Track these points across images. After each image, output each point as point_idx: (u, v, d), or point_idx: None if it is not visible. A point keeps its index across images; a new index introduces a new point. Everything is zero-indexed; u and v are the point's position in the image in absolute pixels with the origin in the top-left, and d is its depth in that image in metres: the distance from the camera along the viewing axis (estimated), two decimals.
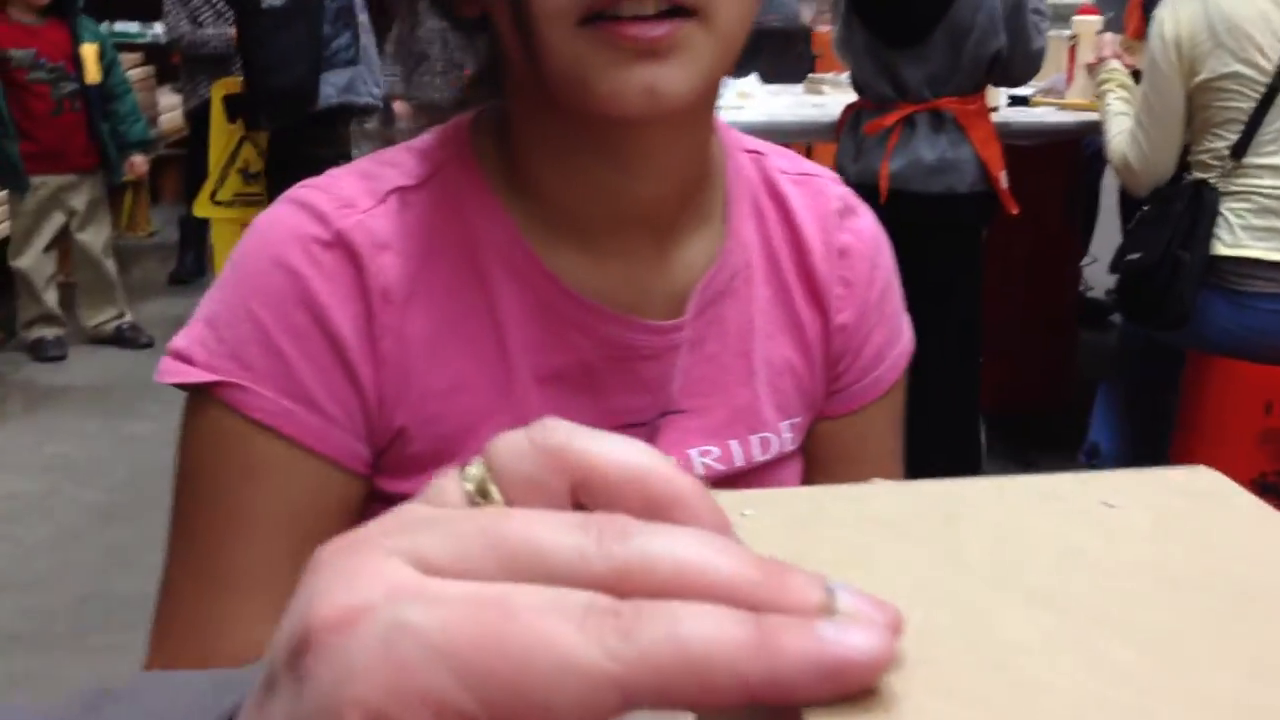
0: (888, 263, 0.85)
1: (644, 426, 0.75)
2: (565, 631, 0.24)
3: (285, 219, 0.70)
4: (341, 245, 0.69)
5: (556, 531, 0.26)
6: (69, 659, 2.49)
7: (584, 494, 0.29)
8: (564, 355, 0.73)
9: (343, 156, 4.28)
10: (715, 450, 0.77)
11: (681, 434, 0.76)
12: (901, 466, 0.90)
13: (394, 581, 0.25)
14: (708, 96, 0.69)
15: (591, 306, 0.72)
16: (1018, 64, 2.84)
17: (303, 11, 4.02)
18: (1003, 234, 3.18)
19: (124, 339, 4.37)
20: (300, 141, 4.15)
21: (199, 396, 0.69)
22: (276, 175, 4.38)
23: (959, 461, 2.75)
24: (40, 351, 4.23)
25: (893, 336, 0.85)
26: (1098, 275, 4.50)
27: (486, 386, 0.72)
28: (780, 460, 0.80)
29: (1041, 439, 3.49)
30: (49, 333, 4.25)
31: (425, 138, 0.76)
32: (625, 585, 0.26)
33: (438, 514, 0.28)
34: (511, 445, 0.30)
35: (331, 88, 4.11)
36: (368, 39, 4.16)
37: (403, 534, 0.27)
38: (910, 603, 0.32)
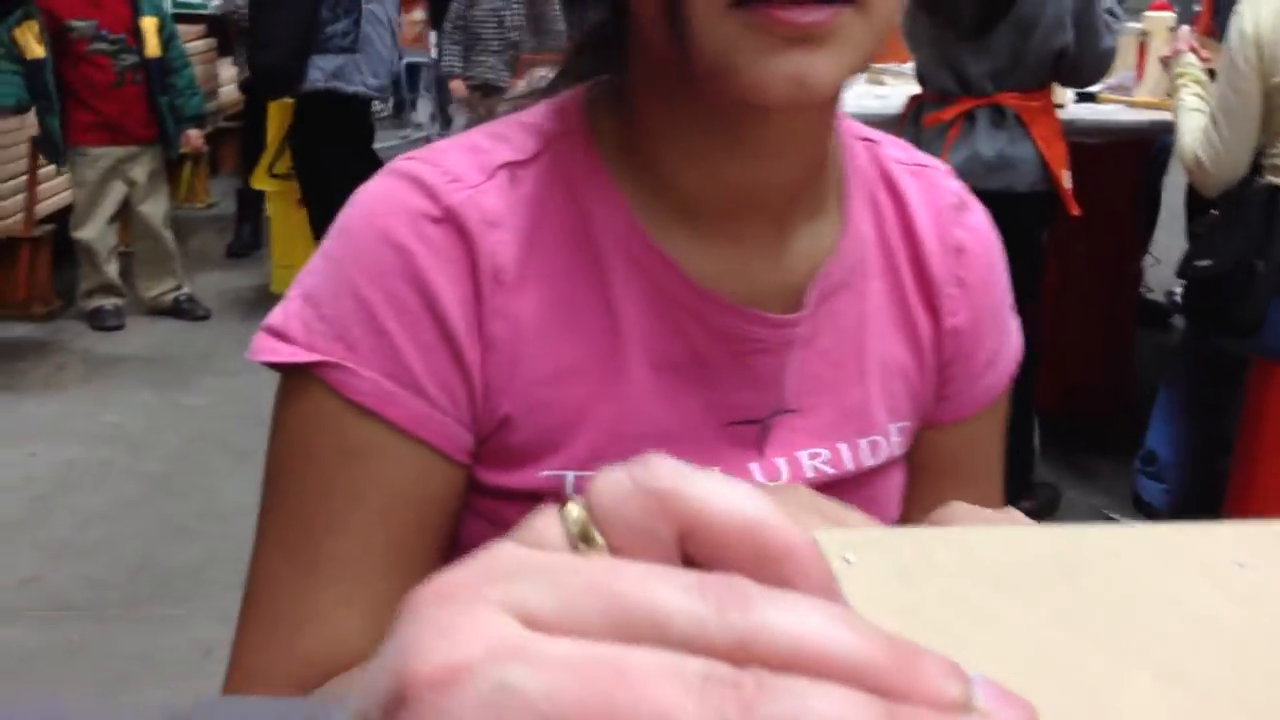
0: (1001, 263, 0.82)
1: (756, 424, 0.72)
2: (682, 702, 0.22)
3: (392, 192, 0.67)
4: (452, 221, 0.66)
5: (673, 593, 0.24)
6: (121, 629, 2.52)
7: (691, 543, 0.27)
8: (678, 344, 0.70)
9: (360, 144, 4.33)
10: (825, 453, 0.74)
11: (791, 434, 0.73)
12: (1002, 478, 0.87)
13: (497, 637, 0.24)
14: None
15: (708, 295, 0.70)
16: (1086, 63, 2.79)
17: None
18: (1063, 232, 3.13)
19: (181, 310, 4.41)
20: (321, 126, 4.20)
21: (296, 376, 0.65)
22: (298, 159, 4.45)
23: (1011, 464, 2.71)
24: (99, 321, 4.27)
25: (1004, 341, 0.82)
26: (1158, 276, 4.43)
27: (597, 373, 0.69)
28: (887, 466, 0.77)
29: (1097, 442, 3.45)
30: (108, 302, 4.30)
31: (535, 111, 0.72)
32: (744, 658, 0.24)
33: (540, 561, 0.26)
34: (615, 487, 0.28)
35: (319, 71, 4.13)
36: (373, 29, 4.16)
37: (505, 582, 0.25)
38: (1031, 674, 0.31)
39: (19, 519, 2.96)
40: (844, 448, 0.75)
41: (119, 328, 4.28)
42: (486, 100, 4.86)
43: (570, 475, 0.68)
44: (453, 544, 0.71)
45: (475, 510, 0.71)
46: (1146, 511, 2.97)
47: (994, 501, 0.85)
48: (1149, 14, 3.58)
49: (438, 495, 0.67)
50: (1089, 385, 3.66)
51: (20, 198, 4.26)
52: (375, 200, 0.67)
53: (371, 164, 4.34)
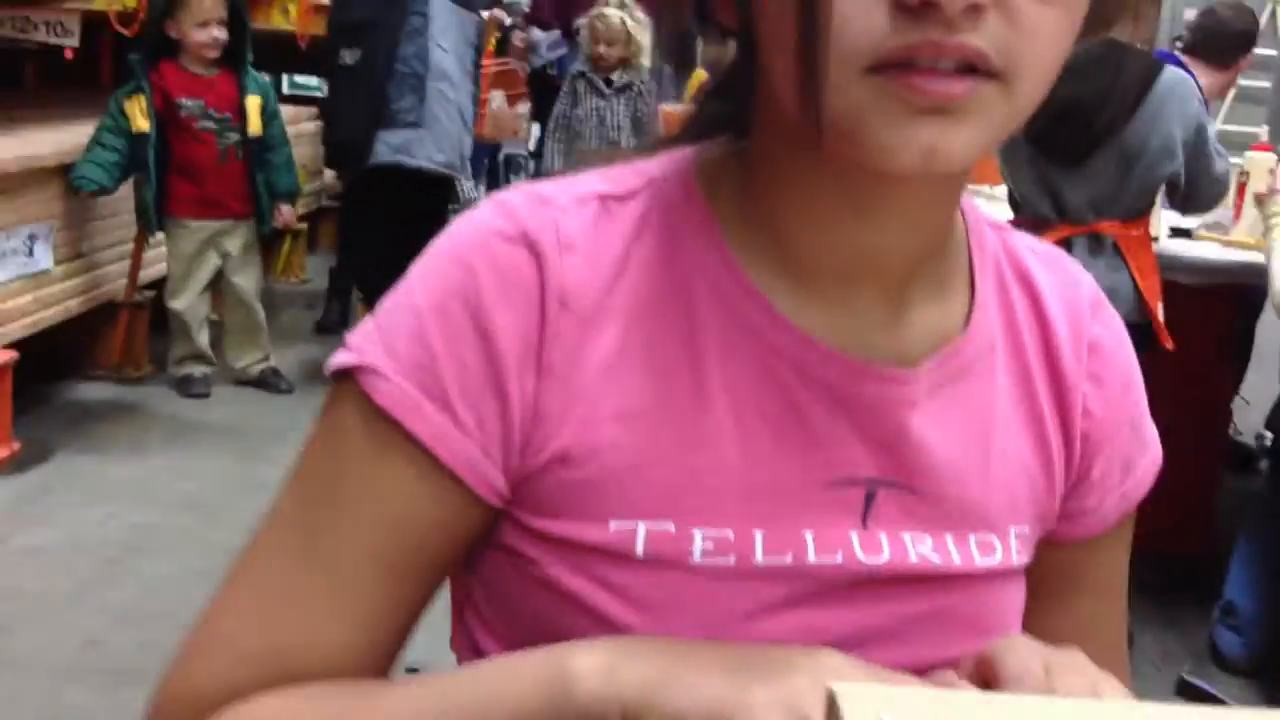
0: (1136, 368, 0.78)
1: (859, 486, 0.68)
2: None
3: (479, 215, 0.68)
4: (524, 241, 0.66)
5: None
6: None
7: None
8: (772, 393, 0.66)
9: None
10: (930, 540, 0.69)
11: (899, 513, 0.69)
12: (1125, 601, 0.82)
13: None
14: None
15: (809, 341, 0.66)
16: (1202, 188, 2.77)
17: (368, 71, 4.25)
18: (1152, 367, 3.08)
19: (266, 383, 4.50)
20: (388, 202, 4.35)
21: (344, 380, 0.66)
22: (345, 233, 4.60)
23: None
24: (187, 388, 4.37)
25: (1142, 451, 0.78)
26: (1249, 419, 4.33)
27: (673, 416, 0.66)
28: (1003, 575, 0.72)
29: (1176, 585, 3.35)
30: (197, 370, 4.40)
31: (649, 159, 0.72)
32: None
33: None
34: None
35: (385, 145, 4.29)
36: (440, 107, 4.29)
37: None
38: None
39: (89, 580, 3.00)
40: (950, 540, 0.70)
41: (205, 395, 4.37)
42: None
43: (642, 526, 0.64)
44: (509, 607, 0.68)
45: (537, 574, 0.66)
46: (1222, 664, 2.88)
47: (1116, 623, 0.81)
48: (1250, 154, 3.55)
49: (446, 522, 0.65)
50: (1170, 525, 3.57)
51: (125, 264, 4.39)
52: (462, 223, 0.68)
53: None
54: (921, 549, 0.68)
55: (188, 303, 4.33)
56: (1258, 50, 4.16)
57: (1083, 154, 2.70)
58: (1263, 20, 7.96)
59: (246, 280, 4.45)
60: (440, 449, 0.64)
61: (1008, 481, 0.72)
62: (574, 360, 0.65)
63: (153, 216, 4.17)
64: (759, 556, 0.65)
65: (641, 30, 5.00)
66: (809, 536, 0.66)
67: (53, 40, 4.48)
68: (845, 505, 0.67)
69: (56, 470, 3.65)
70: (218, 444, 3.95)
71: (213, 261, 4.36)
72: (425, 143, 4.28)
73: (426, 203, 4.48)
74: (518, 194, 0.68)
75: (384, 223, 4.39)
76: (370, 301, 4.64)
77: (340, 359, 0.66)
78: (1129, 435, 0.77)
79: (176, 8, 4.08)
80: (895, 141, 0.57)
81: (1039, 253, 0.77)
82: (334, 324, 5.42)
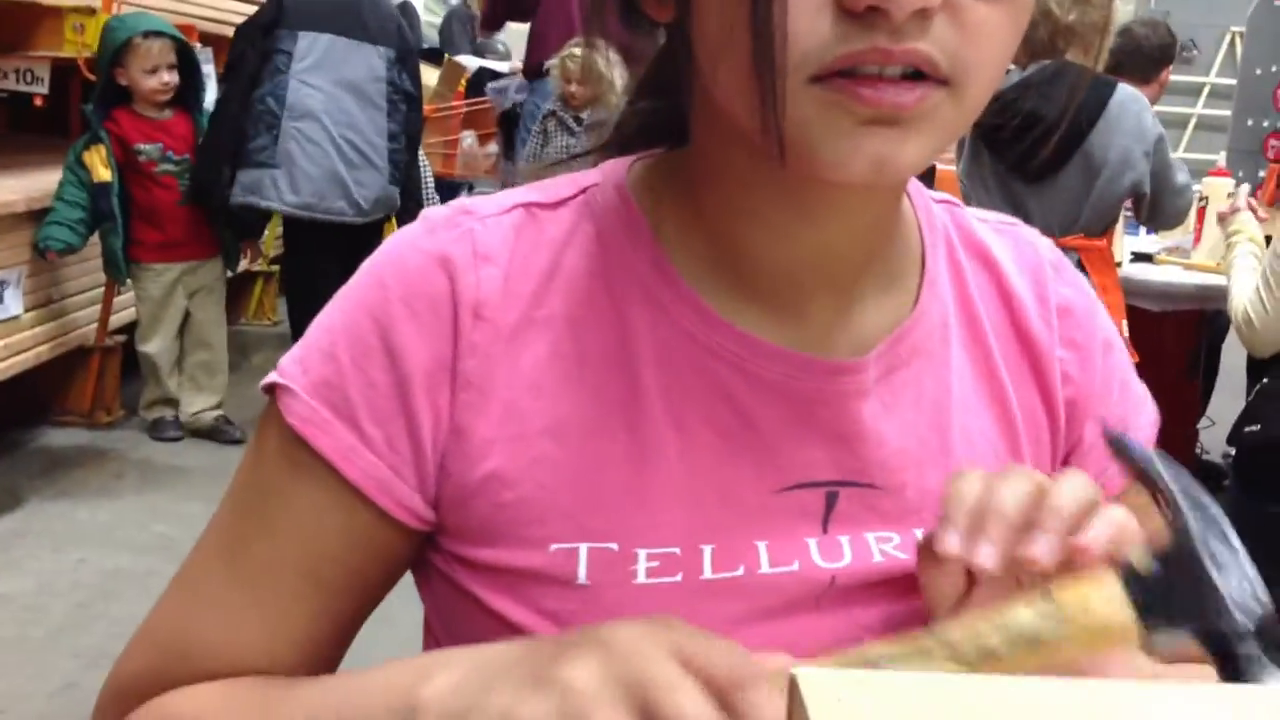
0: (1112, 325, 0.76)
1: (819, 489, 0.66)
2: None
3: (404, 231, 0.67)
4: (436, 254, 0.64)
5: None
6: None
7: None
8: (715, 401, 0.64)
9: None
10: (896, 537, 0.67)
11: (863, 511, 0.66)
12: None
13: None
14: None
15: (750, 340, 0.64)
16: (1166, 200, 2.82)
17: (226, 110, 4.18)
18: None
19: (217, 431, 4.34)
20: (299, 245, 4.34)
21: (272, 396, 0.66)
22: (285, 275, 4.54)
23: None
24: (158, 431, 4.33)
25: (1137, 408, 0.75)
26: (1214, 439, 4.37)
27: (609, 429, 0.63)
28: None
29: None
30: (169, 413, 4.36)
31: (589, 169, 0.70)
32: None
33: None
34: None
35: (239, 185, 4.17)
36: (300, 147, 4.12)
37: None
38: None
39: (61, 625, 2.98)
40: (920, 534, 0.66)
41: (178, 439, 4.33)
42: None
43: (584, 548, 0.63)
44: (465, 641, 0.65)
45: (483, 609, 0.65)
46: None
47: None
48: (1208, 179, 3.61)
49: (361, 540, 0.65)
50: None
51: (95, 308, 4.38)
52: (390, 239, 0.68)
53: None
54: (887, 547, 0.67)
55: (159, 346, 4.30)
56: (1217, 79, 4.23)
57: (1050, 169, 2.75)
58: (1221, 50, 8.10)
59: (207, 317, 4.37)
60: (346, 467, 0.63)
61: (973, 464, 0.68)
62: (495, 373, 0.63)
63: (121, 265, 4.12)
64: (707, 572, 0.63)
65: (611, 68, 4.98)
66: (762, 547, 0.64)
67: (22, 88, 4.48)
68: (803, 510, 0.65)
69: (27, 516, 3.62)
70: (189, 487, 3.92)
71: (181, 303, 4.32)
72: (278, 183, 4.13)
73: (361, 248, 4.33)
74: (444, 208, 0.68)
75: (312, 269, 4.28)
76: None
77: (267, 377, 0.66)
78: (1120, 396, 0.74)
79: (124, 55, 4.02)
80: (844, 154, 0.55)
81: (990, 222, 0.76)
82: None
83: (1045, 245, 0.76)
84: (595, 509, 0.63)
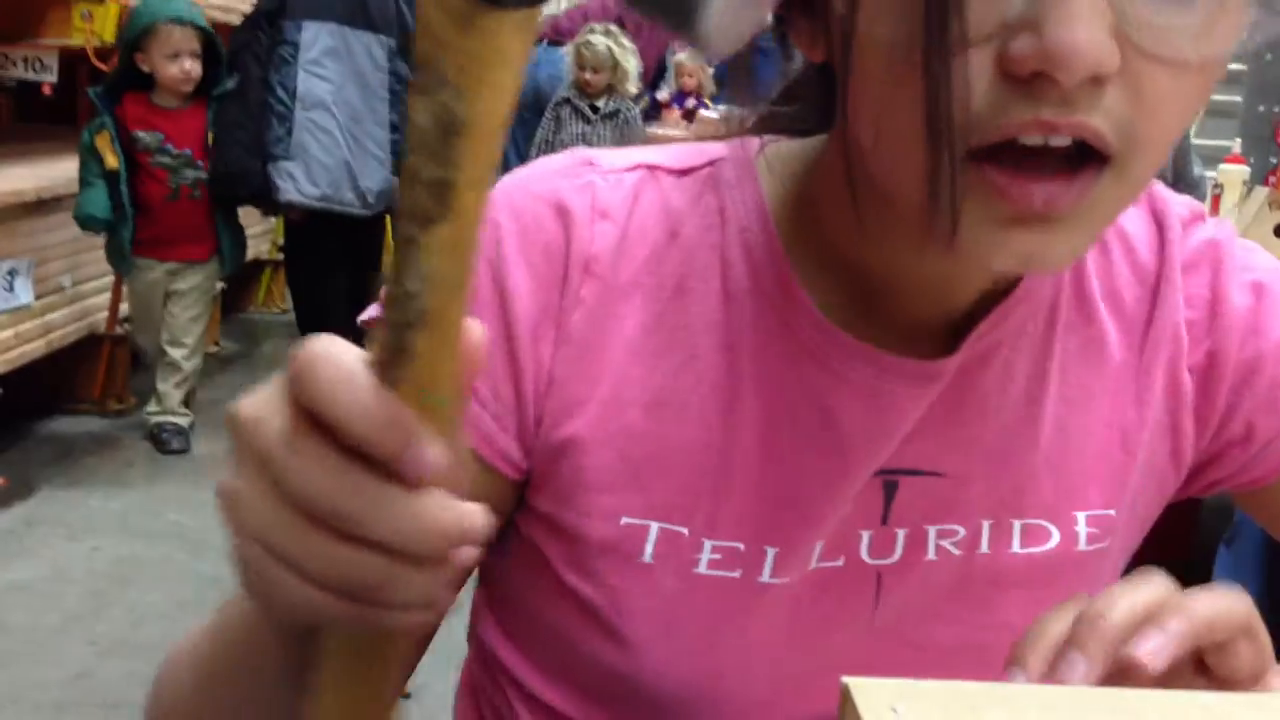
0: (1262, 262, 0.68)
1: (878, 477, 0.63)
2: None
3: (520, 172, 0.65)
4: (554, 201, 0.62)
5: None
6: None
7: None
8: (798, 393, 0.62)
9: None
10: (960, 531, 0.64)
11: (926, 502, 0.63)
12: None
13: None
14: None
15: (839, 338, 0.61)
16: (1183, 193, 2.81)
17: (243, 98, 4.04)
18: None
19: (156, 438, 4.14)
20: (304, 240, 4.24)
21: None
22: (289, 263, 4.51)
23: None
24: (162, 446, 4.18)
25: None
26: None
27: (701, 412, 0.61)
28: (1060, 564, 0.65)
29: None
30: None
31: (719, 143, 0.67)
32: None
33: None
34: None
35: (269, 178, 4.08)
36: (314, 138, 4.04)
37: None
38: None
39: (76, 613, 2.99)
40: (988, 527, 0.64)
41: (183, 451, 4.22)
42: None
43: (655, 526, 0.61)
44: (527, 617, 0.66)
45: (550, 580, 0.63)
46: None
47: None
48: (1224, 166, 3.58)
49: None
50: (1152, 535, 3.58)
51: (105, 297, 4.38)
52: (505, 179, 0.64)
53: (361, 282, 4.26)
54: (945, 542, 0.64)
55: (146, 343, 4.19)
56: (1229, 65, 4.21)
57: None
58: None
59: (184, 317, 4.14)
60: None
61: (1071, 461, 0.65)
62: (597, 333, 0.61)
63: (128, 255, 3.99)
64: (765, 575, 0.62)
65: (627, 56, 4.97)
66: (818, 547, 0.63)
67: (31, 76, 4.48)
68: (863, 502, 0.63)
69: (40, 504, 3.63)
70: (201, 474, 3.93)
71: (160, 303, 4.11)
72: (295, 175, 4.06)
73: (359, 243, 4.28)
74: (563, 156, 0.65)
75: (318, 265, 4.24)
76: None
77: (369, 311, 0.64)
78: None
79: (147, 40, 3.89)
80: (990, 247, 0.50)
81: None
82: None
83: (1175, 202, 0.69)
84: (673, 490, 0.62)
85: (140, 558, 3.31)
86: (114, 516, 3.58)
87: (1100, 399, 0.66)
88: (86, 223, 3.88)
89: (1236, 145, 3.83)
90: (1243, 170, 3.49)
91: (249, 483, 0.42)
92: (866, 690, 0.43)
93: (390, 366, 0.39)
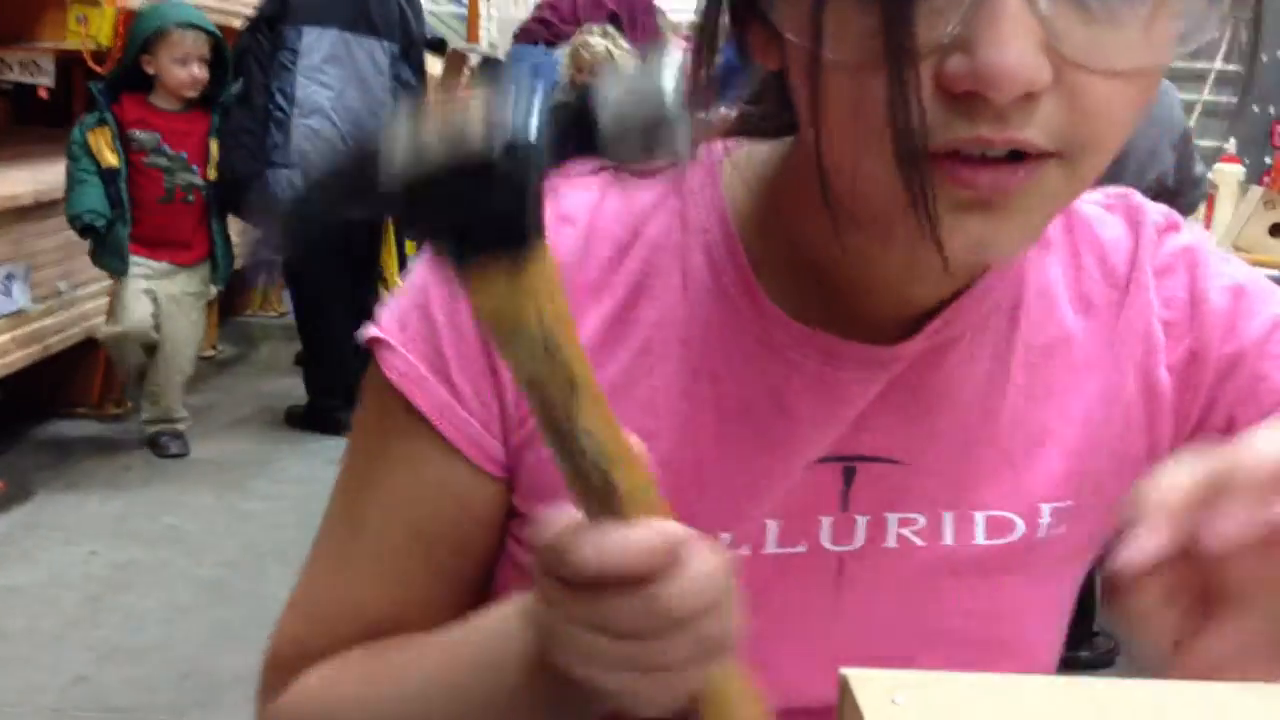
0: (1238, 268, 0.69)
1: (837, 463, 0.65)
2: None
3: None
4: None
5: None
6: None
7: None
8: (753, 383, 0.64)
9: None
10: (921, 520, 0.65)
11: (887, 490, 0.65)
12: None
13: None
14: None
15: (793, 327, 0.63)
16: (1187, 190, 2.83)
17: (248, 103, 4.05)
18: None
19: (155, 444, 4.11)
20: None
21: (372, 353, 0.67)
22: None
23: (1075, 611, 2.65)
24: (160, 450, 4.14)
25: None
26: None
27: (655, 402, 0.64)
28: (1022, 554, 0.67)
29: None
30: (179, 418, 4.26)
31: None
32: None
33: None
34: None
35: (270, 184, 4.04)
36: (313, 144, 4.01)
37: None
38: None
39: (74, 618, 2.98)
40: (949, 518, 0.66)
41: (182, 455, 4.17)
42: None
43: None
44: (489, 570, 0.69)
45: (517, 559, 0.67)
46: None
47: None
48: (1220, 166, 3.59)
49: (460, 496, 0.66)
50: None
51: (103, 301, 4.37)
52: None
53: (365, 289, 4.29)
54: (906, 531, 0.65)
55: (108, 332, 4.06)
56: (1223, 66, 4.21)
57: None
58: (1226, 36, 8.05)
59: (176, 331, 4.09)
60: (442, 424, 0.65)
61: (1034, 452, 0.66)
62: None
63: (126, 256, 3.93)
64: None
65: (627, 59, 4.84)
66: (772, 526, 0.65)
67: (27, 80, 4.47)
68: (821, 487, 0.65)
69: (37, 508, 3.62)
70: (198, 478, 3.92)
71: (145, 306, 4.01)
72: (295, 182, 4.01)
73: (358, 245, 4.30)
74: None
75: (317, 269, 4.21)
76: (307, 345, 4.54)
77: (364, 331, 0.67)
78: (1249, 327, 0.67)
79: (155, 43, 3.88)
80: (940, 235, 0.52)
81: (1099, 201, 0.71)
82: None
83: (1153, 211, 0.71)
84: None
85: (138, 562, 3.31)
86: (111, 520, 3.57)
87: (1063, 396, 0.67)
88: (84, 217, 3.77)
89: (1232, 145, 3.84)
90: (1238, 170, 3.50)
91: (580, 634, 0.51)
92: (865, 681, 0.43)
93: (611, 503, 0.50)
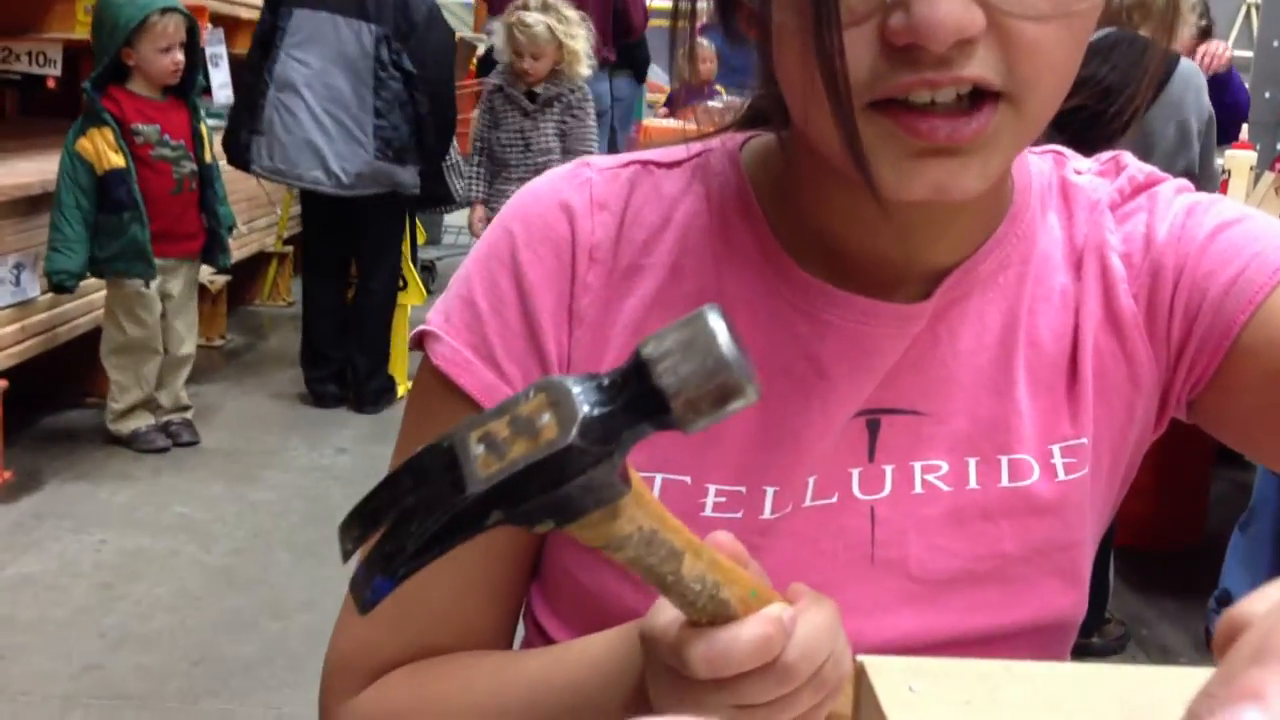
0: (1198, 196, 0.73)
1: (861, 417, 0.69)
2: None
3: (530, 184, 0.73)
4: (559, 201, 0.70)
5: None
6: None
7: None
8: (788, 346, 0.68)
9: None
10: (944, 466, 0.70)
11: (911, 440, 0.70)
12: None
13: None
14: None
15: (824, 290, 0.68)
16: (1205, 180, 2.82)
17: (246, 72, 4.37)
18: None
19: (165, 431, 4.09)
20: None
21: (421, 347, 0.72)
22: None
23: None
24: (140, 443, 4.07)
25: (1230, 255, 0.69)
26: None
27: None
28: (1040, 493, 0.70)
29: (1169, 577, 3.37)
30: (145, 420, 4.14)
31: (704, 140, 0.75)
32: None
33: None
34: None
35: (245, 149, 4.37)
36: (280, 117, 4.24)
37: None
38: None
39: (85, 606, 2.99)
40: (973, 464, 0.70)
41: (165, 449, 4.08)
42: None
43: (659, 478, 0.68)
44: (576, 596, 0.71)
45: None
46: None
47: None
48: (1231, 152, 3.57)
49: None
50: (1162, 519, 3.59)
51: None
52: (519, 191, 0.73)
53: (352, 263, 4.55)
54: (930, 477, 0.69)
55: (124, 367, 4.02)
56: (1237, 52, 4.19)
57: (1106, 143, 2.74)
58: (1237, 22, 8.02)
59: (185, 326, 4.09)
60: (489, 403, 0.67)
61: (1044, 398, 0.70)
62: (604, 312, 0.69)
63: (150, 257, 3.82)
64: (767, 512, 0.68)
65: (573, 32, 4.31)
66: (811, 482, 0.69)
67: (35, 70, 4.49)
68: (849, 442, 0.69)
69: (48, 498, 3.63)
70: (208, 466, 3.93)
71: (155, 304, 3.97)
72: (259, 148, 4.28)
73: (341, 220, 4.40)
74: (566, 165, 0.74)
75: (316, 239, 4.56)
76: (306, 326, 4.58)
77: (417, 328, 0.72)
78: (1220, 262, 0.69)
79: (135, 34, 3.78)
80: (901, 179, 0.57)
81: (1093, 168, 0.77)
82: None
83: (1135, 167, 0.76)
84: (673, 442, 0.66)
85: (148, 550, 3.31)
86: (121, 510, 3.58)
87: (1057, 338, 0.71)
88: (54, 277, 3.65)
89: (1244, 132, 3.83)
90: (1250, 156, 3.48)
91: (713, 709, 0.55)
92: (882, 668, 0.43)
93: (726, 613, 0.53)
